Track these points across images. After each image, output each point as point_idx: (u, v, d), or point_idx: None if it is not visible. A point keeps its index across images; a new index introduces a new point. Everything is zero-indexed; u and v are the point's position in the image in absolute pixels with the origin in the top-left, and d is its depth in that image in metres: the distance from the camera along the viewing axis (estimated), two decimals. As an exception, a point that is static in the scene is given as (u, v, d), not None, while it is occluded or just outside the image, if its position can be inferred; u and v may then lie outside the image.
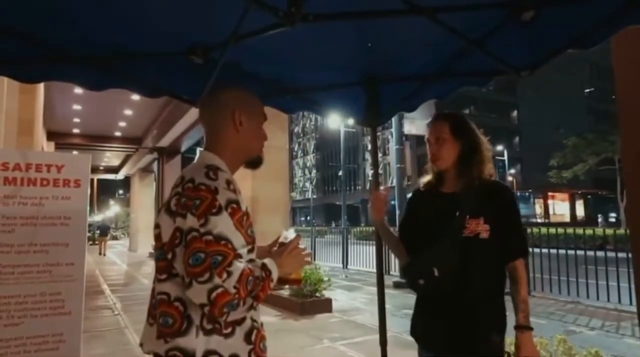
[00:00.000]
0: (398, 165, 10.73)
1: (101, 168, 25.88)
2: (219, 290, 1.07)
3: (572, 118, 42.30)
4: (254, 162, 1.43)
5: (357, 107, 2.59)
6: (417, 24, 1.81)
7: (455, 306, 1.67)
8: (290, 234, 1.44)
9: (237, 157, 1.36)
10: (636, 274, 2.73)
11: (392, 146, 11.21)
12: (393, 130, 11.32)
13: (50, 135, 15.72)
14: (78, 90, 11.12)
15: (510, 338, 1.69)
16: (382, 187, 1.98)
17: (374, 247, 2.53)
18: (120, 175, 27.91)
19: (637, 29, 1.55)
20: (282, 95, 2.46)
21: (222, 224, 1.13)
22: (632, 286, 6.69)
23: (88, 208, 2.77)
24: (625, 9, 1.42)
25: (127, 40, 1.85)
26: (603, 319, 6.36)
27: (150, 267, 14.85)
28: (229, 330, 1.20)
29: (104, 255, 19.65)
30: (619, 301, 6.81)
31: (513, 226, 1.73)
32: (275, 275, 1.24)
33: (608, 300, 6.97)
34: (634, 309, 6.58)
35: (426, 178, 1.90)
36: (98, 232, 22.34)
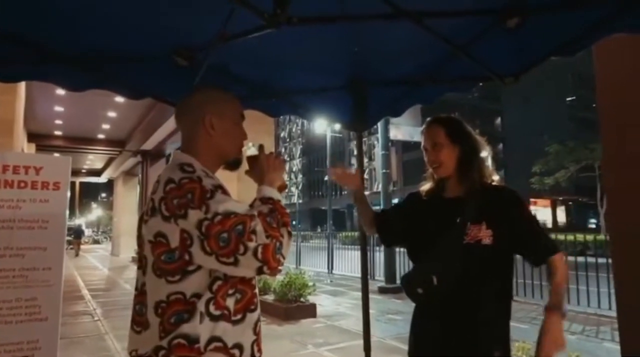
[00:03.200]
0: (384, 171, 10.77)
1: (83, 171, 25.48)
2: (260, 248, 1.11)
3: (555, 125, 43.04)
4: (232, 164, 1.40)
5: (343, 111, 2.59)
6: (404, 29, 1.82)
7: (455, 317, 1.62)
8: (252, 148, 1.43)
9: (212, 161, 1.33)
10: (616, 280, 2.77)
11: (378, 151, 11.25)
12: (379, 135, 11.38)
13: (31, 137, 15.43)
14: (60, 91, 10.95)
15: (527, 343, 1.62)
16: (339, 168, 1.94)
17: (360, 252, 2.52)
18: (103, 178, 27.48)
19: (618, 38, 1.58)
20: (268, 98, 2.44)
21: (222, 201, 1.14)
22: (612, 291, 6.86)
23: (67, 211, 2.70)
24: (608, 17, 1.44)
25: (110, 41, 1.81)
26: (583, 323, 6.45)
27: (133, 271, 14.61)
28: (239, 316, 1.19)
29: (77, 255, 21.73)
30: (599, 306, 6.92)
31: (533, 229, 1.66)
32: (275, 195, 1.28)
33: (588, 305, 7.07)
34: (612, 313, 6.72)
35: (427, 185, 1.84)
36: (72, 235, 23.10)
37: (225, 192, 1.20)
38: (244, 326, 1.19)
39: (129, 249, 20.14)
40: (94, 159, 21.89)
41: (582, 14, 1.52)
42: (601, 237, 9.39)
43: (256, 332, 1.23)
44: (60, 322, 2.60)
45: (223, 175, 1.41)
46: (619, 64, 2.70)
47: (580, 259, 7.59)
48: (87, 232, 47.26)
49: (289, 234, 1.20)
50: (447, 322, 1.63)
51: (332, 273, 13.26)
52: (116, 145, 17.86)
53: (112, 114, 13.76)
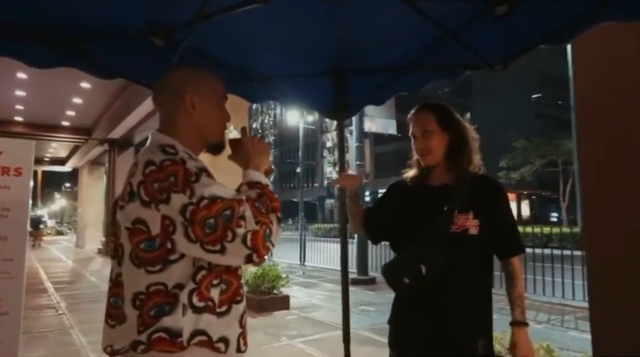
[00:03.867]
0: (358, 163, 10.79)
1: (46, 159, 24.44)
2: (249, 235, 1.05)
3: (521, 122, 44.22)
4: (215, 148, 1.32)
5: (324, 98, 2.52)
6: (390, 13, 1.78)
7: (441, 307, 1.60)
8: (234, 131, 1.36)
9: (194, 143, 1.24)
10: (589, 273, 2.83)
11: (352, 144, 11.25)
12: (353, 127, 11.38)
13: (-11, 123, 14.67)
14: (22, 74, 10.44)
15: (497, 333, 1.66)
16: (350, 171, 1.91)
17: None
18: (67, 168, 26.47)
19: (595, 33, 1.58)
20: (247, 82, 2.35)
21: (208, 185, 1.07)
22: (575, 282, 7.13)
23: (30, 200, 2.54)
24: (597, 6, 1.43)
25: (80, 14, 1.68)
26: (549, 313, 6.66)
27: (99, 263, 14.19)
28: (224, 308, 1.12)
29: (39, 246, 21.33)
30: (563, 296, 7.18)
31: (509, 223, 1.69)
32: (263, 179, 1.23)
33: (553, 295, 7.31)
34: (575, 303, 6.98)
35: (411, 172, 1.80)
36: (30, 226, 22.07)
37: (210, 175, 1.12)
38: (230, 318, 1.13)
39: (94, 240, 19.55)
40: (57, 147, 21.04)
41: (569, 2, 1.51)
42: (566, 229, 9.72)
43: (242, 324, 1.17)
44: (22, 317, 2.46)
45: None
46: (597, 58, 2.74)
47: (543, 250, 7.85)
48: (50, 223, 45.67)
49: (279, 220, 1.14)
50: (433, 312, 1.61)
51: (304, 265, 13.24)
52: (82, 133, 17.20)
53: (77, 100, 13.20)
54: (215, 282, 1.11)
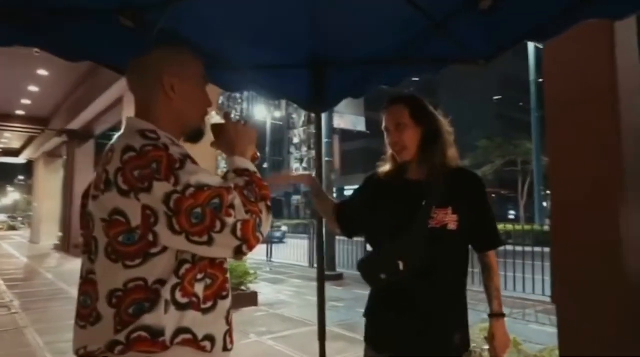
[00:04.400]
0: (327, 159, 10.77)
1: (-2, 150, 23.17)
2: (239, 225, 0.99)
3: (484, 122, 45.54)
4: (194, 135, 1.23)
5: (301, 90, 2.45)
6: (373, 2, 1.74)
7: (418, 303, 1.59)
8: (216, 117, 1.30)
9: (173, 129, 1.16)
10: (554, 268, 2.91)
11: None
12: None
13: None
14: (-29, 59, 9.78)
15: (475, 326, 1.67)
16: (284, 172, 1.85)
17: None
18: (21, 159, 25.15)
19: (566, 35, 1.60)
20: (222, 70, 2.25)
21: (194, 173, 0.99)
22: (535, 277, 7.39)
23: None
24: (582, 2, 1.44)
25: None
26: (510, 307, 6.86)
27: (56, 260, 13.57)
28: (209, 304, 1.05)
29: None
30: (524, 291, 7.42)
31: (488, 216, 1.69)
32: (250, 166, 1.17)
33: (514, 290, 7.55)
34: (536, 297, 7.24)
35: (386, 167, 1.77)
36: None
37: (194, 162, 1.04)
38: (215, 315, 1.06)
39: (51, 236, 18.72)
40: (11, 138, 19.93)
41: (554, -2, 1.52)
42: (527, 227, 10.07)
43: (229, 321, 1.10)
44: None
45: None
46: (566, 59, 2.80)
47: (505, 247, 8.09)
48: (2, 217, 43.43)
49: (268, 208, 1.08)
50: (410, 308, 1.59)
51: (271, 261, 13.15)
52: (38, 123, 16.35)
53: (33, 88, 12.52)
54: (199, 276, 1.04)
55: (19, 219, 44.15)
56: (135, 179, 0.98)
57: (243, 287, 6.78)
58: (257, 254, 13.76)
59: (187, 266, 1.02)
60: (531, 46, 21.47)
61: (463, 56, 1.80)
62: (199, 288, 1.04)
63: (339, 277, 9.85)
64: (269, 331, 5.33)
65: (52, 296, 7.48)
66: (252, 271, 7.04)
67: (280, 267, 12.13)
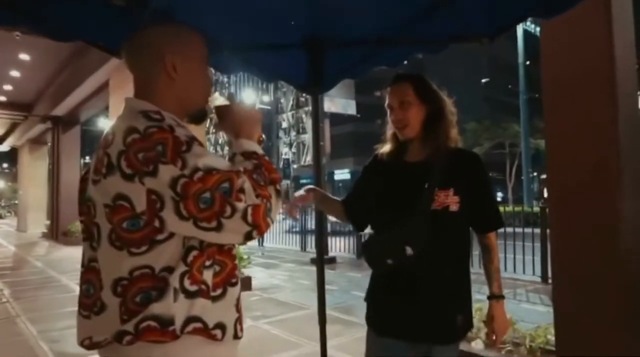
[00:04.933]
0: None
1: (-20, 137, 22.64)
2: (250, 209, 0.95)
3: (472, 105, 45.74)
4: (197, 117, 1.18)
5: (298, 71, 2.39)
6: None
7: (421, 286, 1.57)
8: (220, 98, 1.25)
9: (175, 110, 1.10)
10: (552, 249, 2.93)
11: (309, 124, 11.13)
12: (310, 107, 11.25)
13: None
14: (-50, 43, 9.46)
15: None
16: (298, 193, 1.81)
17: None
18: (4, 147, 24.61)
19: (564, 14, 1.56)
20: (218, 52, 2.18)
21: (201, 155, 0.95)
22: (526, 258, 7.50)
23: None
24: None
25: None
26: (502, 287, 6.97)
27: (44, 248, 13.40)
28: (219, 292, 1.02)
29: None
30: (514, 271, 7.52)
31: (489, 197, 1.68)
32: (257, 148, 1.11)
33: (505, 270, 7.65)
34: (526, 277, 7.36)
35: (387, 147, 1.74)
36: None
37: (201, 144, 0.99)
38: (226, 303, 1.03)
39: (38, 224, 18.50)
40: (-7, 125, 19.51)
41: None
42: (518, 208, 10.18)
43: (238, 309, 1.07)
44: None
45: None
46: (565, 38, 2.78)
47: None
48: (-15, 206, 42.75)
49: (278, 193, 1.04)
50: (413, 290, 1.58)
51: (262, 246, 13.15)
52: (21, 109, 15.95)
53: (14, 73, 12.17)
54: (208, 263, 1.01)
55: (4, 207, 43.48)
56: (139, 163, 0.93)
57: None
58: (249, 239, 13.75)
59: (194, 252, 0.98)
60: (520, 29, 21.45)
61: (466, 34, 1.76)
62: (207, 275, 1.00)
63: (332, 261, 9.89)
64: (263, 315, 5.34)
65: (42, 284, 7.39)
66: (245, 256, 7.02)
67: (272, 251, 12.13)
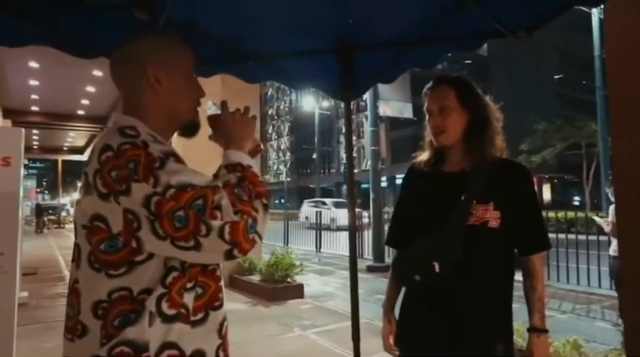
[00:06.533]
0: (372, 148, 10.54)
1: (65, 148, 24.85)
2: (227, 227, 0.89)
3: (542, 104, 43.08)
4: (188, 129, 1.13)
5: (329, 78, 2.31)
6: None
7: (454, 306, 1.43)
8: (213, 107, 1.18)
9: (163, 125, 1.06)
10: (622, 258, 2.61)
11: (367, 128, 10.98)
12: (368, 112, 11.09)
13: (7, 113, 14.85)
14: (33, 63, 10.44)
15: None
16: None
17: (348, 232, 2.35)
18: (85, 156, 26.86)
19: None
20: (244, 61, 2.15)
21: (175, 172, 0.90)
22: (602, 269, 6.82)
23: (21, 189, 2.41)
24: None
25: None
26: (573, 302, 6.39)
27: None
28: (200, 316, 0.96)
29: (41, 232, 21.77)
30: (588, 284, 6.87)
31: (535, 215, 1.50)
32: (245, 160, 1.05)
33: (578, 283, 7.02)
34: (602, 291, 6.68)
35: (424, 156, 1.60)
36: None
37: (179, 160, 0.94)
38: (206, 328, 0.96)
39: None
40: (75, 136, 21.31)
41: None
42: (591, 214, 9.35)
43: (222, 334, 1.00)
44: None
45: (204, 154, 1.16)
46: (633, 22, 2.46)
47: (567, 235, 7.53)
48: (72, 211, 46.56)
49: (265, 207, 0.96)
50: (448, 313, 1.44)
51: (320, 252, 13.15)
52: (97, 122, 17.30)
53: (90, 88, 13.21)
54: (189, 285, 0.95)
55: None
56: (113, 181, 0.89)
57: (289, 279, 6.78)
58: (306, 244, 13.83)
59: (174, 273, 0.93)
60: (595, 17, 19.91)
61: (500, 29, 1.57)
62: (188, 298, 0.94)
63: (387, 269, 9.63)
64: (313, 324, 5.28)
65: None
66: (297, 262, 7.02)
67: (329, 258, 12.08)
